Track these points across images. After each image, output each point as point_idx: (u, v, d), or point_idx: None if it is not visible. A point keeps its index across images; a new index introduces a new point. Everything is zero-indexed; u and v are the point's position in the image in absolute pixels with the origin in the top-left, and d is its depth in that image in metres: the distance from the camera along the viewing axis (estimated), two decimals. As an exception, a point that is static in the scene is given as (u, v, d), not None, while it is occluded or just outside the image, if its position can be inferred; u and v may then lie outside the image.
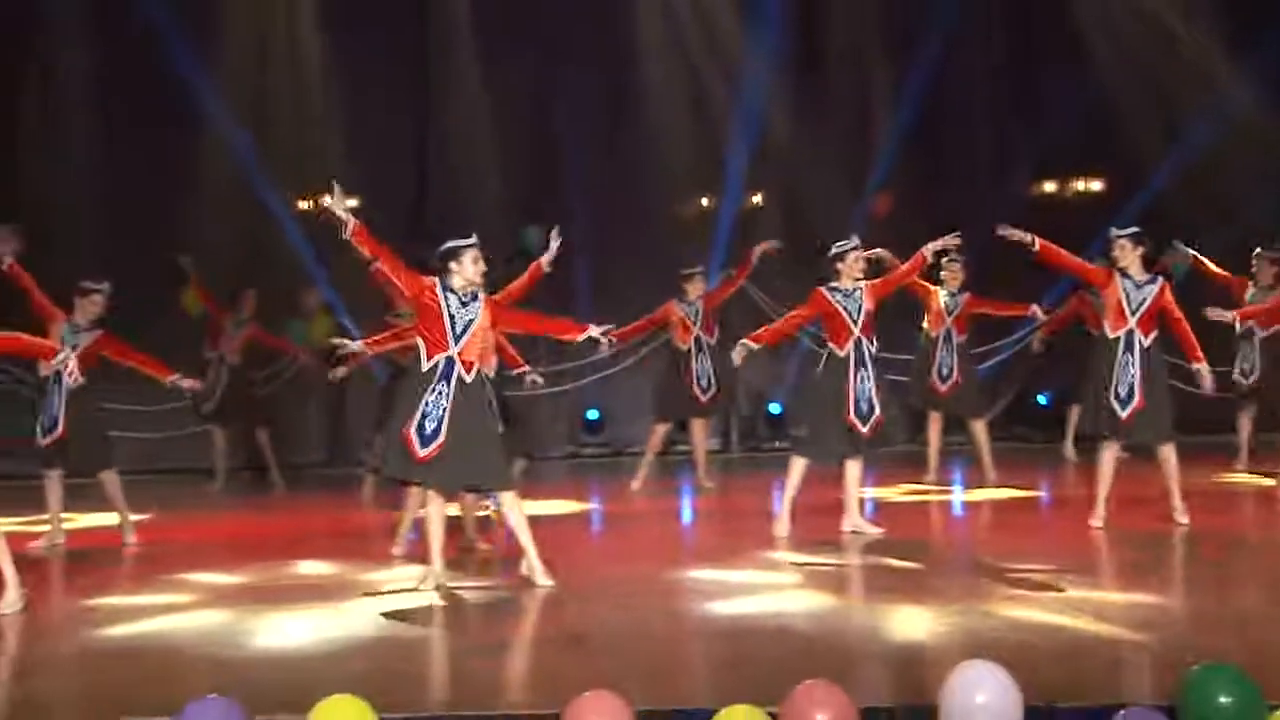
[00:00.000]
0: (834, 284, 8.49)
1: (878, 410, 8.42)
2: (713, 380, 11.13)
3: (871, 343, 8.46)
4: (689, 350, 11.18)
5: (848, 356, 8.43)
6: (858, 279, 8.50)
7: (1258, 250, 10.82)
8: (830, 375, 8.47)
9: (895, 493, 10.67)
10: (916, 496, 10.42)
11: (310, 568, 7.94)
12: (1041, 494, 10.86)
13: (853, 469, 8.58)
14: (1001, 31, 14.05)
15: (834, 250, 8.56)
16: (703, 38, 13.65)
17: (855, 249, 8.55)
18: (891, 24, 13.93)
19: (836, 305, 8.45)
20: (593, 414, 13.85)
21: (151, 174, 13.06)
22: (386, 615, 6.56)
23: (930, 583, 7.04)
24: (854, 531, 8.55)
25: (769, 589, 6.94)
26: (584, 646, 6.00)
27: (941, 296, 10.89)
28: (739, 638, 5.99)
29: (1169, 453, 8.42)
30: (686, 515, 10.49)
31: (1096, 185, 14.30)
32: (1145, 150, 13.26)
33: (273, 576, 7.67)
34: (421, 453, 6.98)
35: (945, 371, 10.86)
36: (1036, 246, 8.43)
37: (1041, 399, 13.93)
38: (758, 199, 14.07)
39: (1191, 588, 6.70)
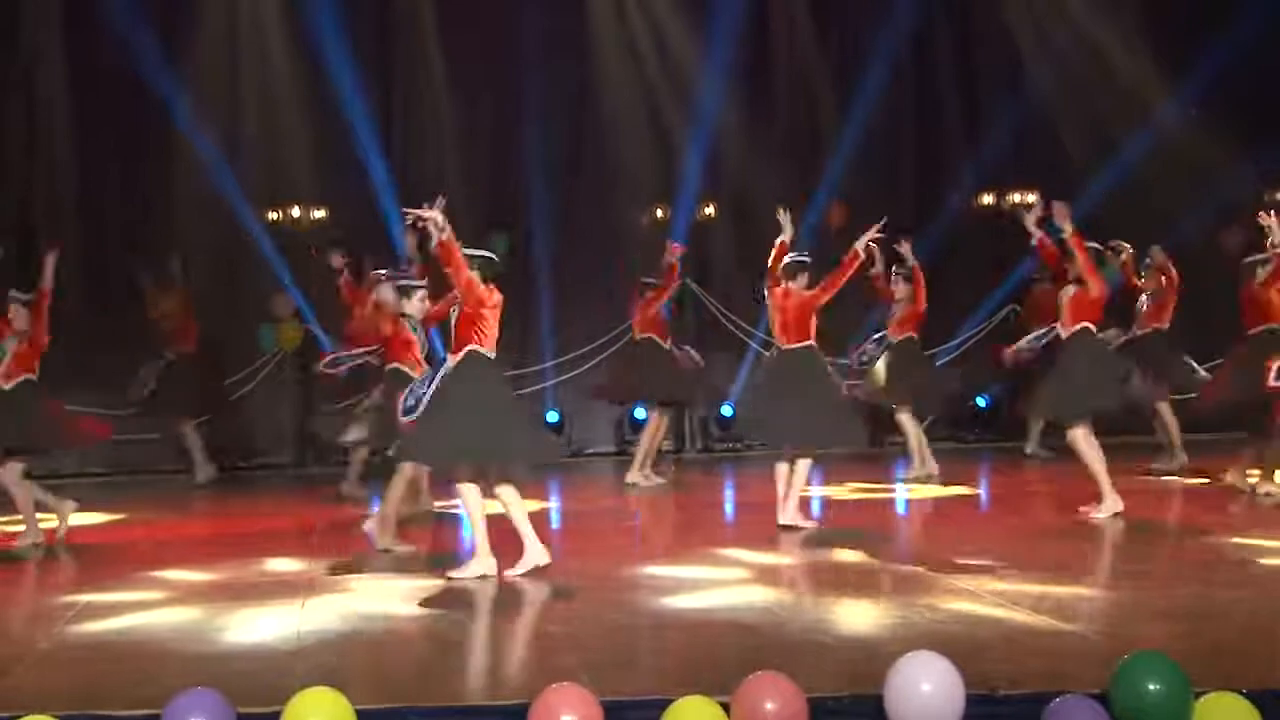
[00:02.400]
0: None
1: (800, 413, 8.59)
2: (669, 377, 11.23)
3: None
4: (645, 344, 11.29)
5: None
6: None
7: (1147, 260, 11.12)
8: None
9: (844, 490, 10.74)
10: (864, 494, 10.49)
11: (281, 564, 7.92)
12: (980, 491, 10.99)
13: (801, 465, 8.64)
14: (946, 50, 14.15)
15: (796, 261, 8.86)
16: (656, 51, 13.69)
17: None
18: (840, 42, 14.01)
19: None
20: (552, 416, 13.85)
21: (124, 181, 12.99)
22: (355, 610, 6.55)
23: (876, 577, 7.11)
24: (789, 526, 8.63)
25: (722, 583, 6.97)
26: (548, 640, 6.03)
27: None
28: (693, 631, 6.03)
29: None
30: (641, 513, 10.52)
31: (1032, 198, 14.42)
32: (1080, 166, 13.41)
33: (245, 573, 7.64)
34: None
35: (893, 371, 11.04)
36: (1069, 231, 8.54)
37: (980, 401, 14.05)
38: (710, 210, 14.11)
39: (1124, 579, 6.80)
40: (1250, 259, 9.65)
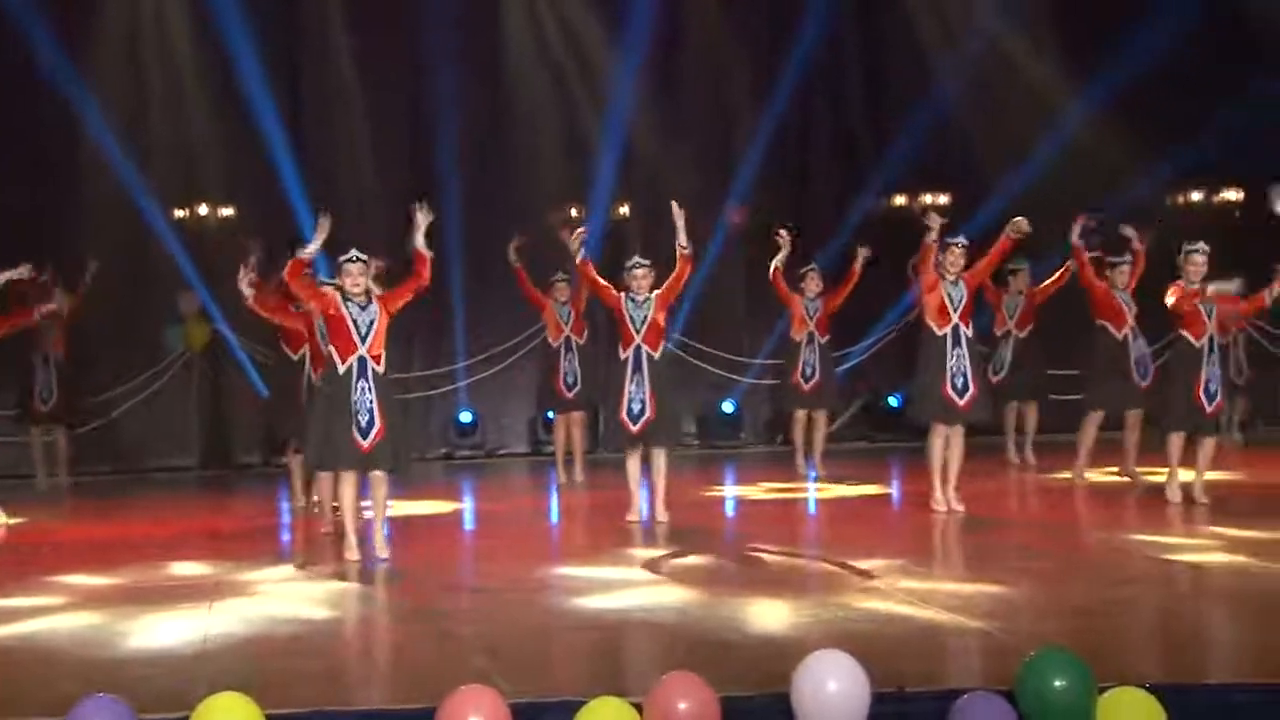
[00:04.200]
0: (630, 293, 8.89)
1: (649, 413, 8.71)
2: (578, 378, 11.22)
3: (655, 349, 8.82)
4: (559, 348, 11.28)
5: (625, 360, 8.86)
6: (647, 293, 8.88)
7: (1011, 266, 11.42)
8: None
9: (757, 491, 10.81)
10: (776, 494, 10.56)
11: (185, 568, 7.79)
12: (892, 490, 11.11)
13: (659, 459, 8.85)
14: (857, 52, 14.28)
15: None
16: (569, 50, 13.67)
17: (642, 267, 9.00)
18: (754, 43, 14.08)
19: (625, 312, 8.86)
20: (465, 416, 13.77)
21: (31, 181, 12.70)
22: (262, 614, 6.47)
23: (789, 576, 7.16)
24: (633, 521, 8.78)
25: (635, 584, 6.98)
26: (460, 642, 5.99)
27: (802, 302, 11.19)
28: (605, 631, 6.03)
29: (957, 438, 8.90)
30: (556, 514, 10.51)
31: (943, 199, 14.63)
32: (990, 168, 13.60)
33: (147, 577, 7.50)
34: (365, 444, 7.53)
35: (809, 372, 11.15)
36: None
37: (893, 400, 14.20)
38: (624, 209, 14.13)
39: (1029, 576, 6.91)
40: (1114, 260, 10.26)
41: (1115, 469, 10.28)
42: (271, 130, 12.65)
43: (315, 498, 9.32)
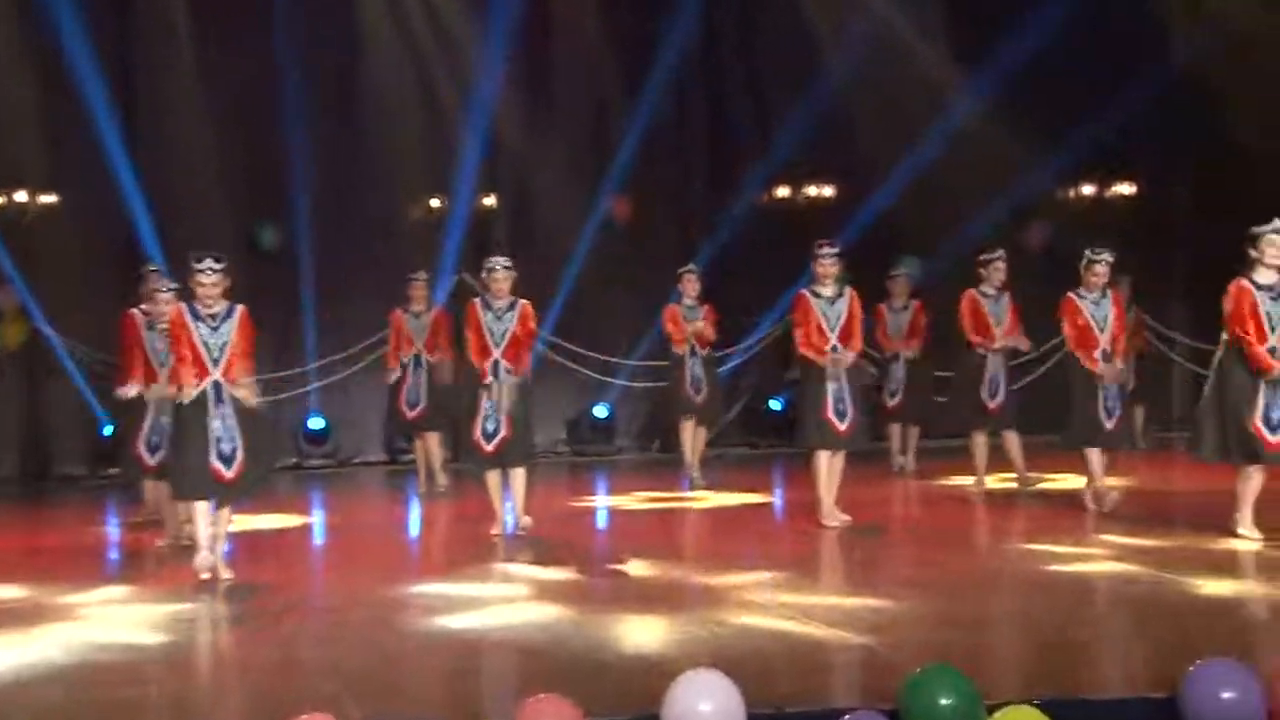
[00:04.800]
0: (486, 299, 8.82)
1: (503, 431, 8.66)
2: (422, 396, 11.09)
3: (514, 365, 8.71)
4: (406, 364, 11.14)
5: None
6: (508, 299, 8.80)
7: (893, 272, 11.75)
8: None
9: (631, 501, 10.83)
10: (652, 504, 10.59)
11: (2, 591, 7.54)
12: (774, 499, 11.22)
13: (517, 476, 8.80)
14: (738, 39, 14.39)
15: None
16: (431, 33, 13.56)
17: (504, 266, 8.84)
18: (627, 29, 14.10)
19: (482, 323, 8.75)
20: (317, 423, 13.57)
21: None
22: (86, 640, 6.28)
23: (663, 591, 7.17)
24: (497, 535, 8.76)
25: (498, 601, 6.94)
26: (304, 666, 5.89)
27: (681, 310, 11.21)
28: (465, 652, 5.97)
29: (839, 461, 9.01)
30: (414, 527, 10.42)
31: (828, 191, 14.82)
32: (877, 159, 13.81)
33: (-42, 601, 7.25)
34: (228, 474, 7.41)
35: (698, 385, 11.21)
36: None
37: (775, 404, 14.34)
38: (490, 200, 14.06)
39: (916, 589, 7.01)
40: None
41: (1013, 475, 10.50)
42: (100, 114, 12.35)
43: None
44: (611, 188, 13.91)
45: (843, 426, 8.88)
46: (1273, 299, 7.80)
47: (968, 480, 10.63)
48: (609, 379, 14.10)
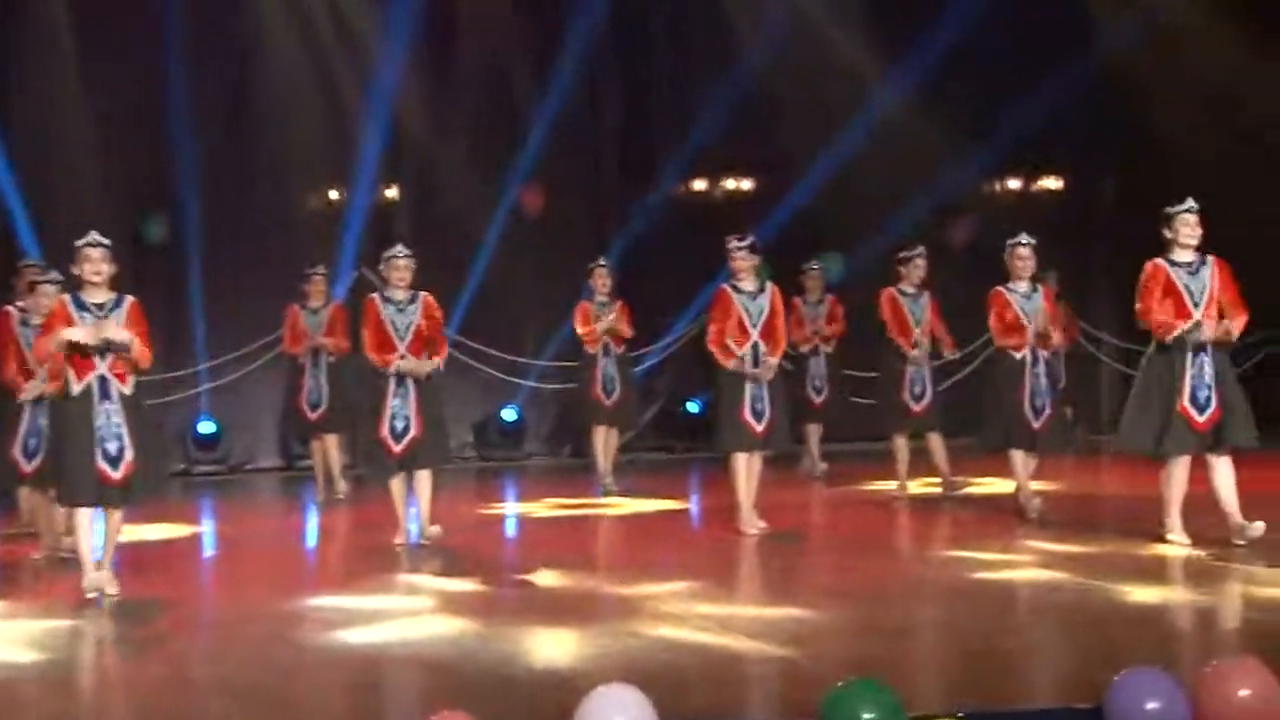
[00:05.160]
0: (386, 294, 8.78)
1: (414, 431, 8.65)
2: (323, 397, 10.99)
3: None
4: (303, 363, 11.04)
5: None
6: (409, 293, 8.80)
7: (806, 266, 11.87)
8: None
9: (541, 508, 10.81)
10: (563, 511, 10.58)
11: None
12: (690, 506, 11.25)
13: (420, 478, 8.75)
14: (655, 27, 14.41)
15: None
16: (330, 19, 13.44)
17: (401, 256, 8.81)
18: (537, 15, 14.08)
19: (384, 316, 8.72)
20: (207, 427, 13.40)
21: None
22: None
23: (576, 603, 7.16)
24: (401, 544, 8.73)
25: (401, 614, 6.89)
26: (193, 684, 5.82)
27: (593, 308, 11.20)
28: (365, 668, 5.93)
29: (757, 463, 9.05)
30: (312, 537, 10.33)
31: (747, 184, 14.90)
32: (798, 152, 13.90)
33: None
34: (116, 475, 7.22)
35: (610, 386, 11.19)
36: None
37: (692, 406, 14.39)
38: (392, 192, 13.96)
39: (838, 598, 7.06)
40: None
41: (937, 479, 10.61)
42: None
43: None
44: (520, 178, 13.88)
45: (760, 427, 8.91)
46: (1190, 274, 7.97)
47: (890, 484, 10.73)
48: (517, 380, 14.06)
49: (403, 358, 8.62)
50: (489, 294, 13.58)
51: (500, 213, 13.81)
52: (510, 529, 10.35)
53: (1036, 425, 9.26)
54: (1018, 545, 8.44)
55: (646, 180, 14.26)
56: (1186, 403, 7.91)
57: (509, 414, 14.15)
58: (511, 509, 11.29)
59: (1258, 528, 7.84)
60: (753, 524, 8.93)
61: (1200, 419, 7.92)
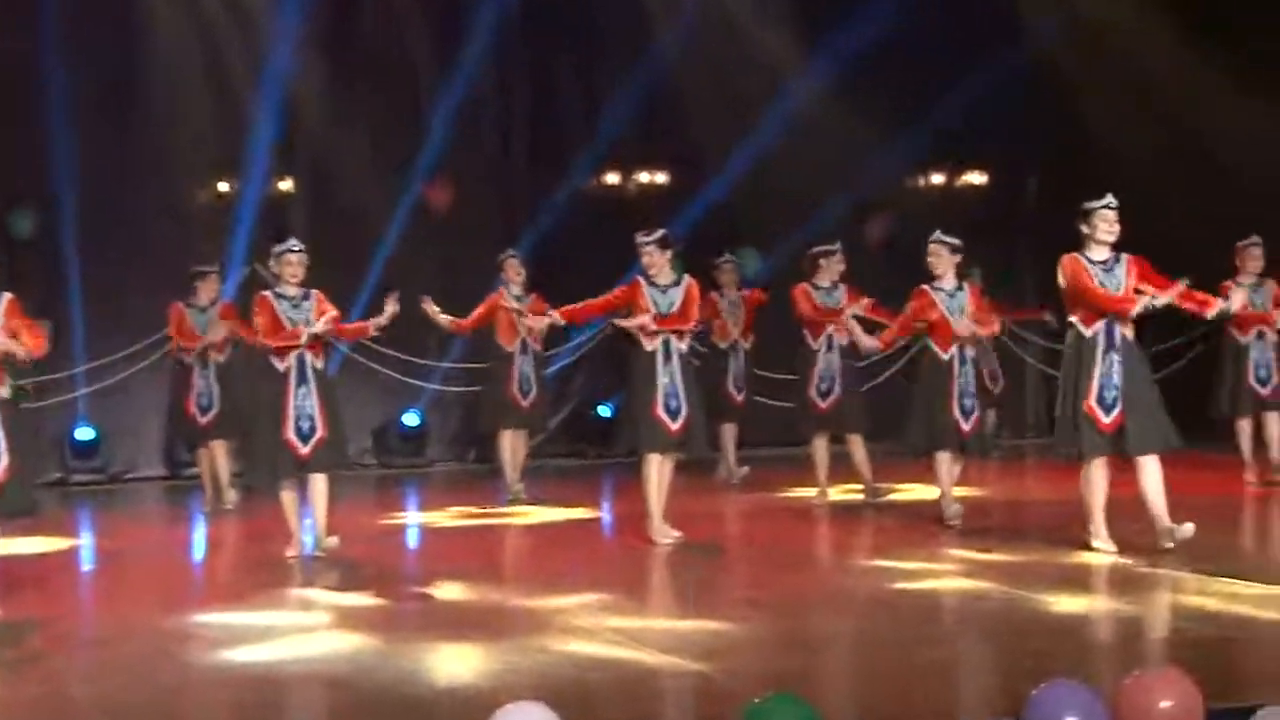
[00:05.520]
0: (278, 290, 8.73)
1: (320, 431, 8.59)
2: (214, 400, 10.86)
3: (318, 359, 8.74)
4: (191, 364, 10.91)
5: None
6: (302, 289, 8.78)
7: (719, 260, 12.01)
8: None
9: (445, 517, 10.76)
10: (469, 521, 10.54)
11: None
12: (602, 514, 11.26)
13: (317, 484, 8.67)
14: (563, 14, 14.38)
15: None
16: (220, 2, 13.27)
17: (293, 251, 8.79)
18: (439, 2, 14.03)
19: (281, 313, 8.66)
20: (85, 433, 13.19)
21: None
22: None
23: (481, 616, 7.13)
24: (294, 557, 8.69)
25: (295, 630, 6.83)
26: (72, 704, 5.75)
27: (507, 298, 11.11)
28: (257, 686, 5.87)
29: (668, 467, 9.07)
30: (199, 549, 10.22)
31: (661, 178, 14.93)
32: (714, 145, 13.95)
33: None
34: None
35: (526, 386, 11.12)
36: None
37: (604, 410, 14.38)
38: (286, 184, 13.83)
39: (755, 610, 7.08)
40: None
41: (860, 485, 10.70)
42: None
43: None
44: (423, 169, 13.78)
45: (675, 426, 8.89)
46: (1105, 271, 8.09)
47: (810, 491, 10.80)
48: (420, 382, 13.97)
49: (302, 357, 8.55)
50: (389, 292, 13.44)
51: (402, 206, 13.71)
52: (412, 539, 10.30)
53: (966, 427, 9.33)
54: (941, 554, 8.53)
55: (557, 173, 14.22)
56: (1093, 402, 8.01)
57: (410, 418, 14.07)
58: (413, 518, 11.24)
59: (1187, 530, 7.96)
60: (665, 534, 8.92)
61: (1106, 420, 8.02)
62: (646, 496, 8.95)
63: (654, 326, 8.83)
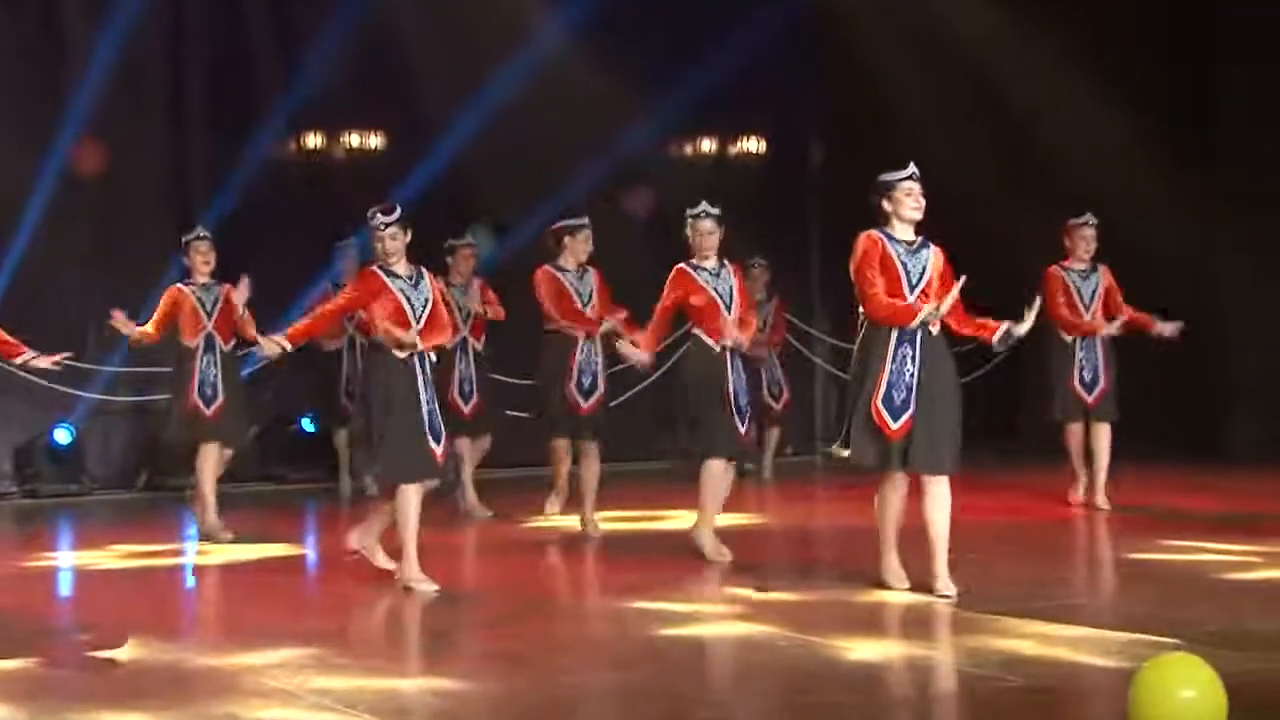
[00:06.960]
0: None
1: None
2: None
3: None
4: None
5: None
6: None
7: (453, 242, 11.94)
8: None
9: (106, 557, 10.52)
10: (136, 561, 10.37)
11: None
12: (306, 550, 11.14)
13: None
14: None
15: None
16: None
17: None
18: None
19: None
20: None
21: None
22: None
23: (155, 680, 6.97)
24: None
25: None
26: None
27: (192, 292, 10.99)
28: None
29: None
30: None
31: (376, 141, 14.86)
32: (440, 102, 13.91)
33: None
34: None
35: (210, 392, 10.95)
36: None
37: (306, 424, 14.22)
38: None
39: (494, 664, 7.06)
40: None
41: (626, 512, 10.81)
42: None
43: None
44: (73, 131, 13.42)
45: (438, 449, 8.71)
46: (910, 252, 8.17)
47: (573, 520, 10.82)
48: (74, 391, 13.59)
49: None
50: (33, 281, 13.09)
51: (46, 178, 13.32)
52: (65, 585, 10.03)
53: (743, 429, 9.33)
54: (715, 593, 8.61)
55: (244, 134, 14.00)
56: (880, 403, 8.04)
57: (62, 435, 13.71)
58: (67, 559, 10.98)
59: (943, 586, 8.05)
60: (420, 580, 8.72)
61: (894, 426, 8.02)
62: (403, 530, 8.70)
63: (413, 340, 8.57)
